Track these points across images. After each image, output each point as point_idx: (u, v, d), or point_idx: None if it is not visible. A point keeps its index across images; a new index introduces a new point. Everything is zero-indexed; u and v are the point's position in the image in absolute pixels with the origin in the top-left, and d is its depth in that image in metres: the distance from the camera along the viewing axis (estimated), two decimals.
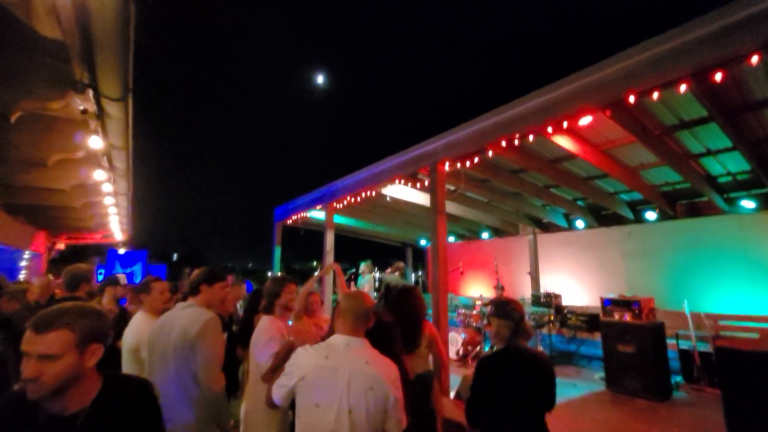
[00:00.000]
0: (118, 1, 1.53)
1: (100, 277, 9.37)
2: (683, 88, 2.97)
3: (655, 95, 3.09)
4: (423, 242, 11.56)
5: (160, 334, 1.93)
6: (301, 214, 8.00)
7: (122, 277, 3.84)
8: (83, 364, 1.07)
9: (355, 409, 1.44)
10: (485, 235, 9.82)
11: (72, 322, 1.07)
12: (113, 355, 2.45)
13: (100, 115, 2.40)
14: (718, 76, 2.79)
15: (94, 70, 1.95)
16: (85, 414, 1.08)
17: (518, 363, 1.82)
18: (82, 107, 2.14)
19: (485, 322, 6.86)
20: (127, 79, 2.08)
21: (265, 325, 2.23)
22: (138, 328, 2.40)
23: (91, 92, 2.05)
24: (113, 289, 3.75)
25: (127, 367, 2.36)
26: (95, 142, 2.66)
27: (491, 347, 2.09)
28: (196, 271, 2.21)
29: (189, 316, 1.92)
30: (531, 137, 3.97)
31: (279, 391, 1.57)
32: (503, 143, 4.15)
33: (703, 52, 2.67)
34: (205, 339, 1.84)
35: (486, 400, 1.84)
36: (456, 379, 4.03)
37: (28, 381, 1.01)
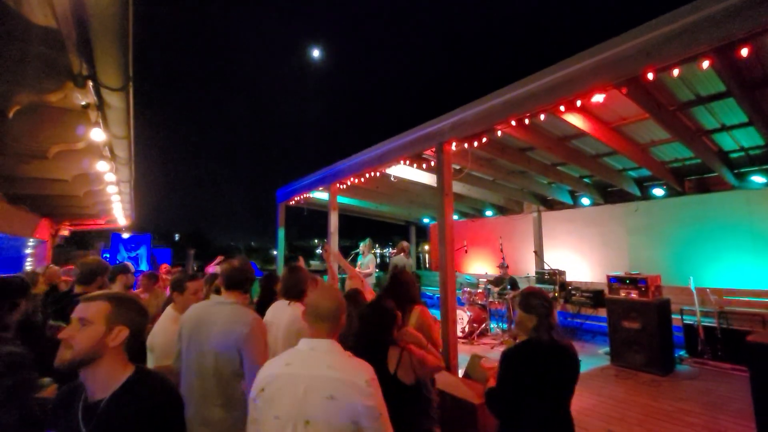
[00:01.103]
0: None
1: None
2: (706, 64, 2.85)
3: (675, 71, 2.97)
4: (426, 220, 11.55)
5: (195, 332, 1.83)
6: (304, 195, 7.94)
7: (131, 265, 3.84)
8: (106, 340, 1.17)
9: (314, 420, 1.26)
10: (489, 213, 9.79)
11: (111, 300, 1.24)
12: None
13: (100, 105, 2.30)
14: (744, 51, 2.66)
15: (92, 60, 1.84)
16: (104, 403, 1.13)
17: (540, 356, 1.82)
18: (84, 102, 2.05)
19: (491, 299, 6.97)
20: (128, 68, 1.97)
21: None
22: (165, 329, 2.32)
23: (90, 83, 1.96)
24: (124, 276, 3.76)
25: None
26: (97, 135, 2.56)
27: (514, 337, 2.07)
28: (227, 266, 2.01)
29: (231, 315, 1.83)
30: (542, 116, 3.86)
31: (249, 404, 1.44)
32: (513, 122, 4.03)
33: (729, 25, 2.52)
34: (253, 341, 1.78)
35: (510, 393, 1.86)
36: (463, 357, 4.11)
37: (62, 345, 1.15)
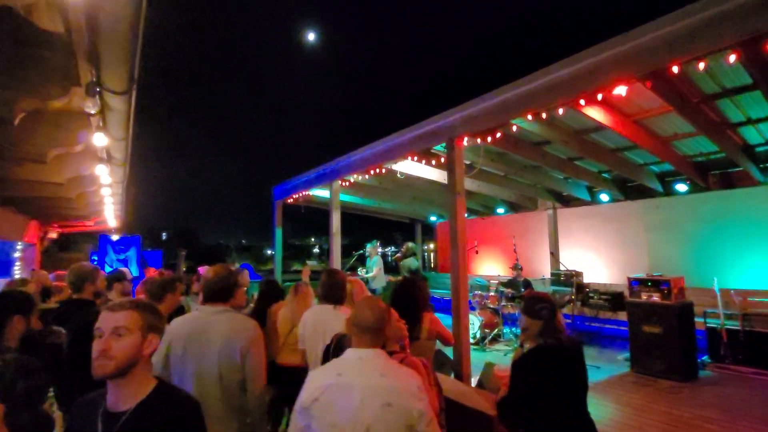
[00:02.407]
0: None
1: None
2: (732, 58, 2.90)
3: (701, 65, 3.03)
4: (433, 218, 11.59)
5: (189, 342, 1.89)
6: (303, 192, 7.98)
7: (127, 272, 3.91)
8: (143, 349, 1.26)
9: (373, 427, 1.40)
10: (500, 210, 9.82)
11: (139, 308, 1.31)
12: None
13: (102, 109, 2.37)
14: None
15: (98, 65, 1.91)
16: (129, 413, 1.20)
17: (550, 361, 1.90)
18: (93, 111, 2.11)
19: (503, 303, 7.01)
20: (134, 72, 2.04)
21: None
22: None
23: (96, 89, 2.02)
24: (121, 284, 3.84)
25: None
26: (99, 139, 2.64)
27: (521, 344, 2.15)
28: (209, 272, 2.07)
29: (230, 323, 1.92)
30: (561, 110, 3.90)
31: (294, 415, 1.53)
32: (529, 117, 4.07)
33: (757, 17, 2.57)
34: (256, 347, 1.91)
35: (522, 403, 1.94)
36: (476, 366, 4.19)
37: (98, 356, 1.19)
